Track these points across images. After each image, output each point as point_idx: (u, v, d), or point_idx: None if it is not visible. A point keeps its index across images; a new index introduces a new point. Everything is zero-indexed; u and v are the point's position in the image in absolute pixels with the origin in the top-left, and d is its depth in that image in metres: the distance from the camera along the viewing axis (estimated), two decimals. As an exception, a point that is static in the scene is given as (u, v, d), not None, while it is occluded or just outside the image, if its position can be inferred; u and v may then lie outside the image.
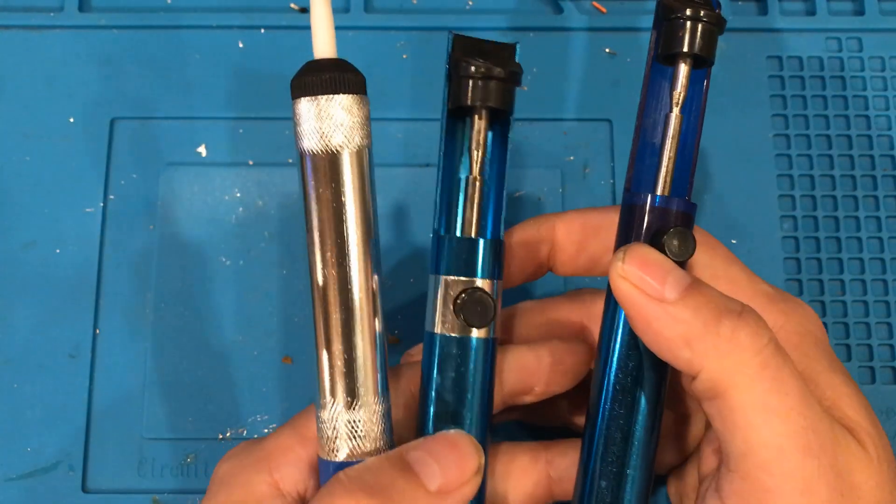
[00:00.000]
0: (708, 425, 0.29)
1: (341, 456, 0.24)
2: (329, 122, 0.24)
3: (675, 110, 0.26)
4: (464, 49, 0.27)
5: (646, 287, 0.24)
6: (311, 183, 0.24)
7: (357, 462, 0.24)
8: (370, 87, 0.39)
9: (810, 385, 0.25)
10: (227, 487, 0.26)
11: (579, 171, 0.39)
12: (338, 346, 0.24)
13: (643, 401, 0.26)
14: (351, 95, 0.24)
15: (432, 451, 0.23)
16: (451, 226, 0.28)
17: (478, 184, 0.27)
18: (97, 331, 0.36)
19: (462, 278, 0.27)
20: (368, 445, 0.24)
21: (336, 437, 0.24)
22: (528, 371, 0.29)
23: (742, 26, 0.40)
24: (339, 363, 0.24)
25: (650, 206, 0.26)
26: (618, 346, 0.26)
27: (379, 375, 0.25)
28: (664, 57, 0.27)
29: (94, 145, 0.38)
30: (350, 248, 0.24)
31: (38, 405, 0.35)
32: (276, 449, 0.26)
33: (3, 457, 0.34)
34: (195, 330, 0.36)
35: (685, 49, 0.26)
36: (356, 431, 0.24)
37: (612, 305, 0.27)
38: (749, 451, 0.23)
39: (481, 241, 0.27)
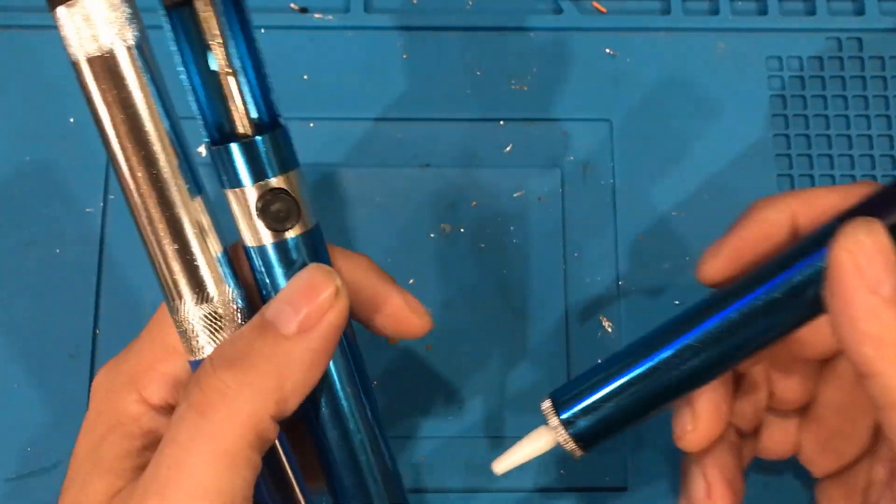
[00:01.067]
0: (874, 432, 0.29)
1: (207, 352, 0.24)
2: (95, 22, 0.22)
3: None
4: None
5: (867, 270, 0.23)
6: (95, 93, 0.23)
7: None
8: (370, 86, 0.40)
9: None
10: (101, 414, 0.26)
11: (579, 171, 0.39)
12: (169, 247, 0.23)
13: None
14: None
15: (285, 297, 0.23)
16: (222, 132, 0.25)
17: (231, 77, 0.24)
18: (97, 331, 0.36)
19: (252, 186, 0.24)
20: (230, 332, 0.24)
21: (197, 335, 0.24)
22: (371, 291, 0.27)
23: (742, 26, 0.40)
24: (174, 263, 0.24)
25: None
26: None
27: (219, 265, 0.24)
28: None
29: (94, 145, 0.38)
30: (153, 139, 0.23)
31: (38, 405, 0.35)
32: (140, 369, 0.26)
33: (2, 457, 0.34)
34: (195, 330, 0.36)
35: None
36: (215, 323, 0.24)
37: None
38: None
39: (258, 140, 0.24)
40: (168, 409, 0.26)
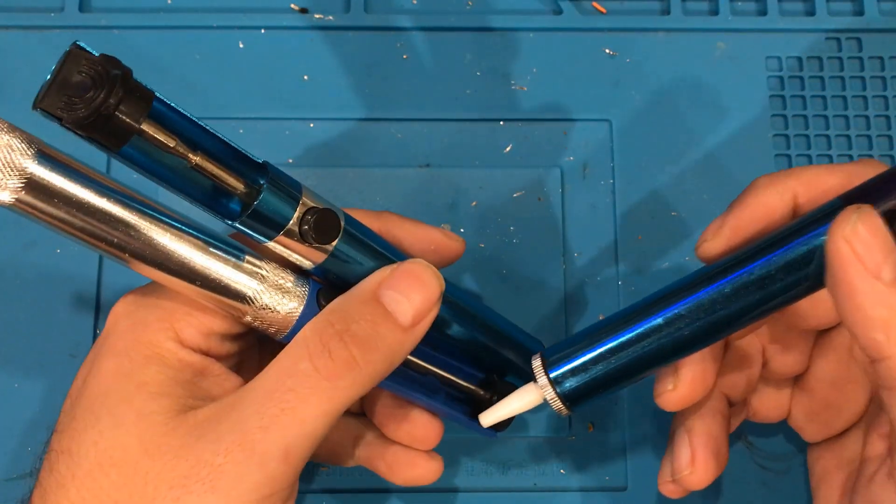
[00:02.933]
0: (872, 407, 0.30)
1: (292, 309, 0.26)
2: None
3: None
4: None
5: (866, 257, 0.23)
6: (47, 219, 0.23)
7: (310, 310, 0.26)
8: (370, 86, 0.40)
9: None
10: (133, 342, 0.26)
11: (579, 171, 0.39)
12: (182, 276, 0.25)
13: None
14: None
15: (399, 288, 0.26)
16: (230, 208, 0.25)
17: (196, 159, 0.23)
18: (97, 331, 0.36)
19: (290, 224, 0.25)
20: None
21: (273, 318, 0.26)
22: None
23: (742, 26, 0.40)
24: (204, 285, 0.25)
25: None
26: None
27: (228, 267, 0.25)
28: None
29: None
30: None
31: (38, 405, 0.35)
32: (176, 310, 0.26)
33: (3, 457, 0.34)
34: (195, 330, 0.36)
35: None
36: (277, 311, 0.26)
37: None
38: None
39: (266, 187, 0.24)
40: (198, 352, 0.27)
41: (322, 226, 0.25)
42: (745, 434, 0.36)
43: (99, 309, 0.36)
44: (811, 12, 0.41)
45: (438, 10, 0.41)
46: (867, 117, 0.39)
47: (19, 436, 0.35)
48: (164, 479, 0.24)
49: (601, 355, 0.27)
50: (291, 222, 0.25)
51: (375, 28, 0.40)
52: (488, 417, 0.29)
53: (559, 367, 0.27)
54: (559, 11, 0.41)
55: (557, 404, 0.28)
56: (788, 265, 0.25)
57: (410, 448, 0.31)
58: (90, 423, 0.25)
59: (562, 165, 0.39)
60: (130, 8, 0.40)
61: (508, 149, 0.39)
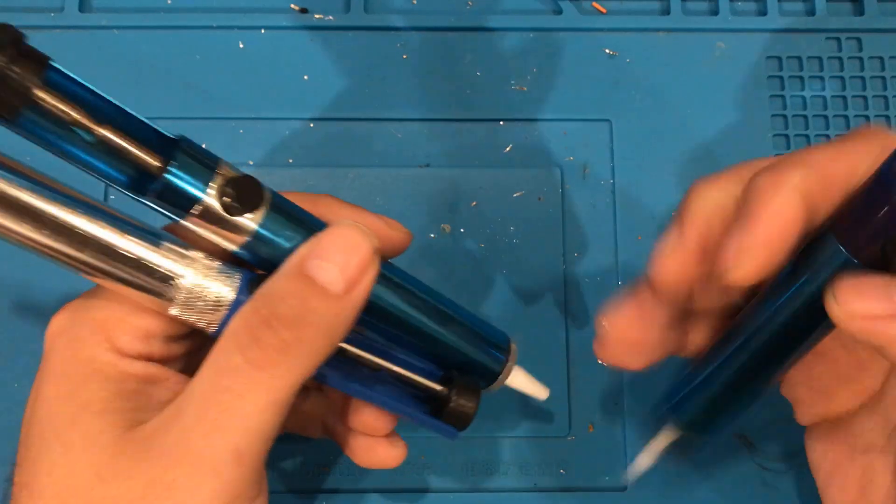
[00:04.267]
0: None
1: (226, 295, 0.24)
2: None
3: None
4: None
5: (881, 325, 0.21)
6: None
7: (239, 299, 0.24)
8: (370, 86, 0.40)
9: None
10: (71, 361, 0.25)
11: (579, 171, 0.39)
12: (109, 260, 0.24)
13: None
14: None
15: (325, 255, 0.24)
16: (138, 180, 0.24)
17: (103, 131, 0.22)
18: (97, 331, 0.36)
19: (205, 195, 0.23)
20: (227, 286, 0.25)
21: (202, 310, 0.25)
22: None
23: (742, 26, 0.40)
24: (124, 270, 0.24)
25: None
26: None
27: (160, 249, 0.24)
28: None
29: (94, 145, 0.38)
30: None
31: (39, 405, 0.35)
32: (109, 319, 0.25)
33: (2, 457, 0.34)
34: (195, 330, 0.36)
35: None
36: (206, 303, 0.24)
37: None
38: None
39: (180, 157, 0.23)
40: (140, 359, 0.25)
41: (245, 193, 0.24)
42: (745, 434, 0.36)
43: (99, 309, 0.36)
44: (811, 12, 0.41)
45: (438, 10, 0.41)
46: (867, 117, 0.39)
47: (19, 436, 0.35)
48: (122, 502, 0.23)
49: (700, 392, 0.28)
50: (209, 193, 0.23)
51: (375, 28, 0.40)
52: (634, 471, 0.31)
53: (675, 413, 0.30)
54: (559, 11, 0.41)
55: (691, 437, 0.29)
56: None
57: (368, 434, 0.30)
58: (42, 453, 0.24)
59: (562, 165, 0.39)
60: (130, 8, 0.40)
61: (508, 149, 0.39)
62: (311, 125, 0.39)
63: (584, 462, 0.35)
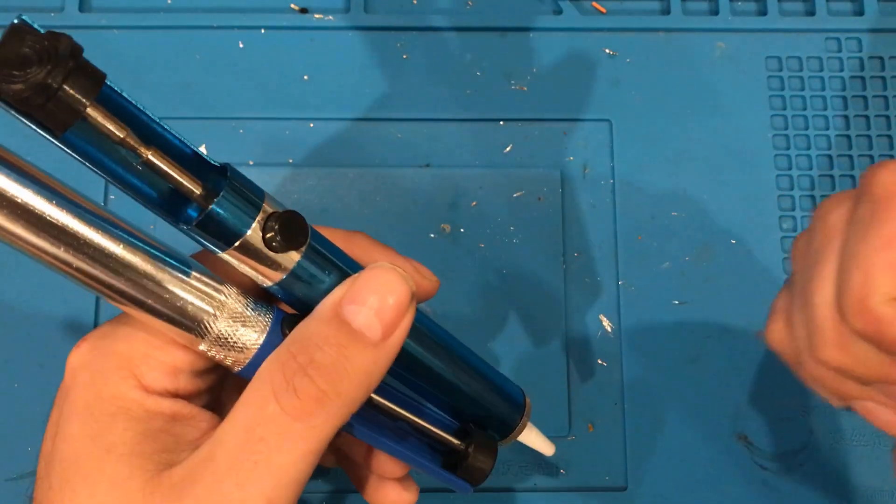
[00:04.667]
0: None
1: (253, 340, 0.24)
2: None
3: None
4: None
5: None
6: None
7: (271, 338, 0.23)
8: (370, 86, 0.40)
9: None
10: (96, 399, 0.24)
11: (579, 171, 0.39)
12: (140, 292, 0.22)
13: None
14: None
15: (362, 299, 0.23)
16: (184, 209, 0.23)
17: (149, 154, 0.21)
18: (97, 331, 0.36)
19: (251, 229, 0.23)
20: (256, 330, 0.24)
21: (239, 336, 0.23)
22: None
23: (742, 26, 0.40)
24: (157, 302, 0.23)
25: None
26: None
27: (192, 280, 0.23)
28: None
29: (94, 145, 0.38)
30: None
31: (38, 405, 0.35)
32: (135, 355, 0.24)
33: (3, 457, 0.34)
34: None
35: None
36: (236, 341, 0.23)
37: None
38: None
39: (226, 190, 0.22)
40: (166, 395, 0.25)
41: (289, 229, 0.23)
42: (745, 434, 0.36)
43: (99, 307, 0.36)
44: (811, 12, 0.41)
45: (438, 10, 0.41)
46: (867, 117, 0.39)
47: (19, 436, 0.35)
48: None
49: None
50: (253, 227, 0.22)
51: (375, 28, 0.40)
52: None
53: None
54: (559, 11, 0.41)
55: None
56: None
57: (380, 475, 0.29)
58: (67, 495, 0.23)
59: (562, 165, 0.39)
60: (130, 8, 0.40)
61: (508, 149, 0.39)
62: (311, 125, 0.39)
63: (584, 462, 0.35)
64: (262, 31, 0.40)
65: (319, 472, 0.35)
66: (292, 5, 0.40)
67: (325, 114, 0.39)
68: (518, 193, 0.38)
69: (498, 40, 0.40)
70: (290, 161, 0.38)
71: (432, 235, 0.38)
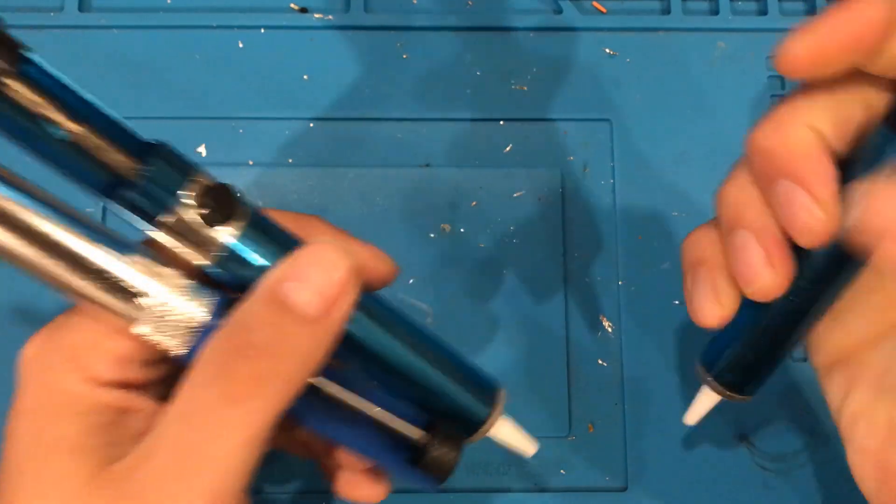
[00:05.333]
0: None
1: (196, 315, 0.23)
2: None
3: None
4: None
5: None
6: None
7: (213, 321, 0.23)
8: (370, 86, 0.40)
9: None
10: (44, 394, 0.24)
11: (579, 171, 0.39)
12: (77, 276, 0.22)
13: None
14: None
15: (299, 276, 0.22)
16: (110, 184, 0.22)
17: (76, 128, 0.21)
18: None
19: (181, 203, 0.22)
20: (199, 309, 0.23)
21: (170, 332, 0.23)
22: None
23: (742, 26, 0.40)
24: (91, 287, 0.22)
25: None
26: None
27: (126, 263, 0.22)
28: None
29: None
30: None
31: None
32: (81, 346, 0.24)
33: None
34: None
35: None
36: (175, 325, 0.23)
37: None
38: None
39: (153, 162, 0.22)
40: (115, 385, 0.24)
41: (223, 201, 0.22)
42: (745, 434, 0.36)
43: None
44: (811, 12, 0.41)
45: (438, 10, 0.41)
46: (867, 117, 0.39)
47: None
48: None
49: (742, 346, 0.27)
50: (185, 202, 0.22)
51: (375, 28, 0.40)
52: (689, 418, 0.29)
53: (714, 368, 0.28)
54: (559, 11, 0.41)
55: (732, 397, 0.28)
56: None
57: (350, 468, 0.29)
58: (18, 492, 0.23)
59: (562, 165, 0.39)
60: (130, 8, 0.40)
61: (508, 149, 0.39)
62: (311, 125, 0.39)
63: (584, 462, 0.35)
64: (262, 30, 0.40)
65: (296, 466, 0.35)
66: (292, 5, 0.40)
67: (325, 114, 0.39)
68: (518, 193, 0.38)
69: (498, 40, 0.40)
70: (290, 161, 0.38)
71: (432, 235, 0.38)
